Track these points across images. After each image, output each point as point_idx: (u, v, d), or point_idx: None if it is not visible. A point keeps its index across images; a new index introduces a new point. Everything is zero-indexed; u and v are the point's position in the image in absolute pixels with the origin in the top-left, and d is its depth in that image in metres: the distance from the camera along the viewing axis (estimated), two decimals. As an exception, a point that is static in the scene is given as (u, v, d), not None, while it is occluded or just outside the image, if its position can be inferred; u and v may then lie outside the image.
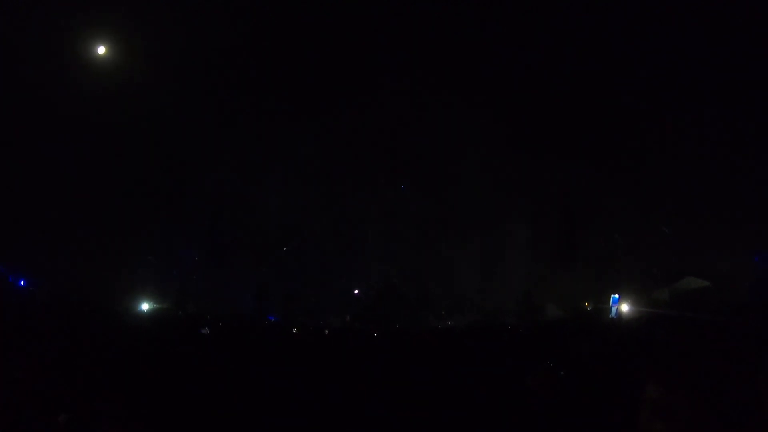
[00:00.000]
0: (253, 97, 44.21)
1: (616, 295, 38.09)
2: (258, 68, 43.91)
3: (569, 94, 43.87)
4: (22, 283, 30.17)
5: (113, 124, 37.58)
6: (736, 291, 36.62)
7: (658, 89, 42.06)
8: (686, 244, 41.90)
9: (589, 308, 41.56)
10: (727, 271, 39.36)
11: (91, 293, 31.11)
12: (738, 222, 38.66)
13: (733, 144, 39.25)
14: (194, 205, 44.50)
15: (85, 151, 37.08)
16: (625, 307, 37.41)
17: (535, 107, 44.88)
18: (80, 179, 37.17)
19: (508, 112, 44.28)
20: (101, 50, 34.55)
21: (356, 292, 48.22)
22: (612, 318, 35.65)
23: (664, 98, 41.89)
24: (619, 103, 43.25)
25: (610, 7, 40.79)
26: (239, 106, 44.10)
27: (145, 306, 35.60)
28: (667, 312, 34.70)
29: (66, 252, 35.57)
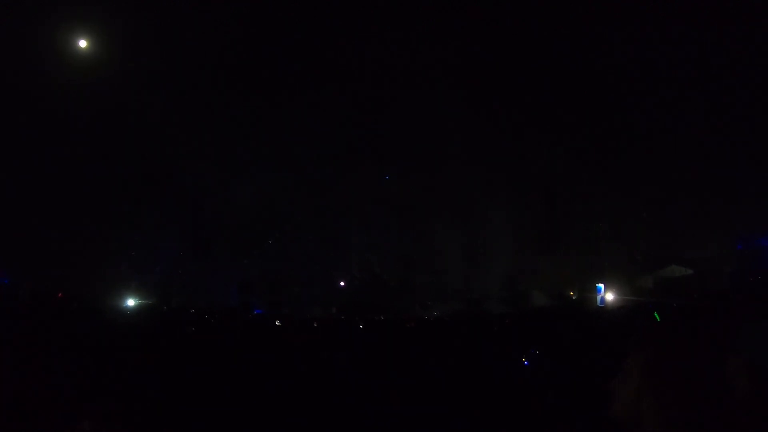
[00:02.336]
0: (233, 89, 44.04)
1: (601, 285, 38.43)
2: (237, 60, 43.67)
3: (551, 80, 44.00)
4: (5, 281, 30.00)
5: (93, 119, 37.29)
6: (718, 278, 37.03)
7: (641, 76, 42.31)
8: (670, 231, 42.28)
9: (574, 296, 41.84)
10: (710, 258, 39.77)
11: (74, 290, 30.94)
12: (721, 210, 39.04)
13: (717, 132, 39.60)
14: (176, 199, 44.29)
15: (65, 146, 36.80)
16: (609, 296, 37.74)
17: (518, 94, 45.07)
18: (60, 175, 36.88)
19: (490, 99, 44.40)
20: (82, 44, 34.18)
21: (342, 284, 48.26)
22: (600, 306, 35.99)
23: (648, 85, 42.18)
24: (602, 89, 43.45)
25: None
26: (219, 97, 43.92)
27: (130, 302, 35.43)
28: (651, 300, 35.00)
29: (48, 248, 35.33)
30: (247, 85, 44.80)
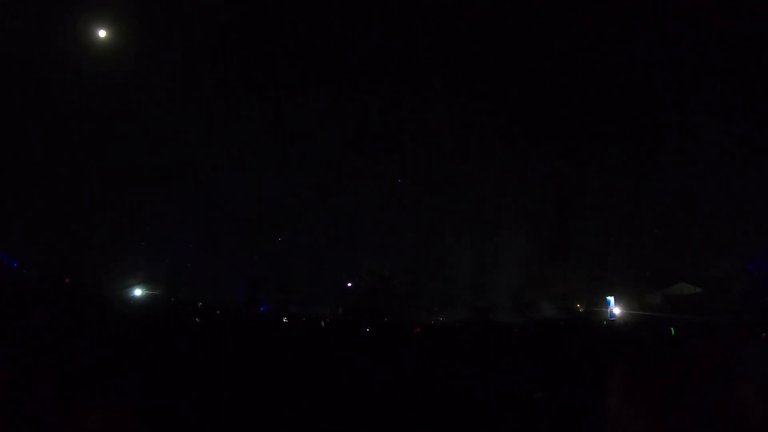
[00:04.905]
0: (250, 87, 44.19)
1: (611, 297, 38.25)
2: (253, 59, 43.84)
3: (566, 95, 43.94)
4: (15, 264, 30.11)
5: (108, 111, 37.47)
6: (728, 297, 36.76)
7: (656, 94, 42.16)
8: (680, 249, 42.04)
9: (581, 309, 41.69)
10: (720, 277, 39.51)
11: (83, 277, 31.03)
12: (732, 229, 38.81)
13: (729, 150, 39.35)
14: (189, 193, 44.40)
15: (80, 137, 36.96)
16: (617, 310, 37.59)
17: (533, 108, 44.96)
18: (75, 165, 37.06)
19: (505, 112, 44.31)
20: (101, 34, 34.33)
21: (349, 285, 48.23)
22: (611, 320, 35.90)
23: (662, 103, 41.98)
24: (616, 106, 43.33)
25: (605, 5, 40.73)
26: (234, 95, 44.06)
27: (138, 292, 35.51)
28: (659, 314, 34.82)
29: (60, 236, 35.48)
30: (264, 85, 44.99)
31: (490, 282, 46.01)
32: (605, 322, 35.62)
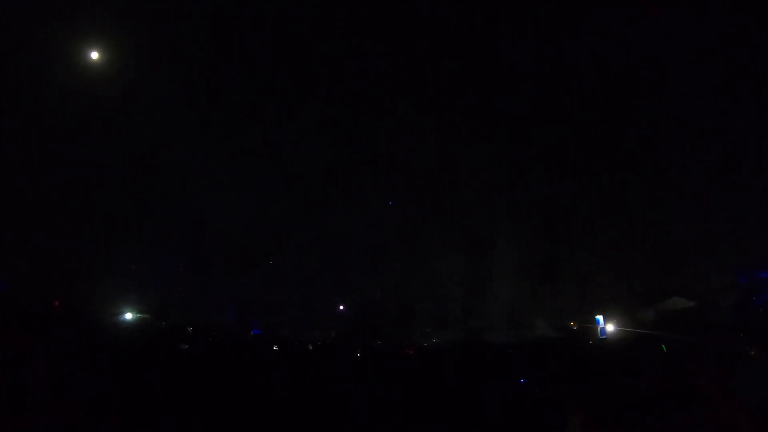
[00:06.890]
0: (239, 109, 44.19)
1: (600, 316, 38.23)
2: (243, 79, 43.82)
3: (555, 113, 44.08)
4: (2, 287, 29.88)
5: (97, 132, 37.43)
6: (720, 311, 36.81)
7: (644, 111, 42.33)
8: (672, 264, 42.08)
9: (574, 327, 41.59)
10: (711, 290, 39.58)
11: (72, 300, 30.80)
12: (723, 243, 38.91)
13: (719, 165, 39.56)
14: (179, 216, 44.22)
15: (68, 158, 36.87)
16: (610, 327, 37.48)
17: (523, 126, 45.10)
18: (63, 187, 36.92)
19: (496, 131, 44.43)
20: (93, 56, 34.42)
21: (341, 308, 47.97)
22: (602, 338, 35.86)
23: (650, 119, 42.18)
24: (604, 123, 43.50)
25: (594, 18, 40.96)
26: (223, 116, 44.05)
27: (128, 316, 35.22)
28: (652, 333, 34.79)
29: (47, 257, 35.24)
30: (252, 107, 44.97)
31: (482, 302, 45.87)
32: (593, 342, 35.61)
